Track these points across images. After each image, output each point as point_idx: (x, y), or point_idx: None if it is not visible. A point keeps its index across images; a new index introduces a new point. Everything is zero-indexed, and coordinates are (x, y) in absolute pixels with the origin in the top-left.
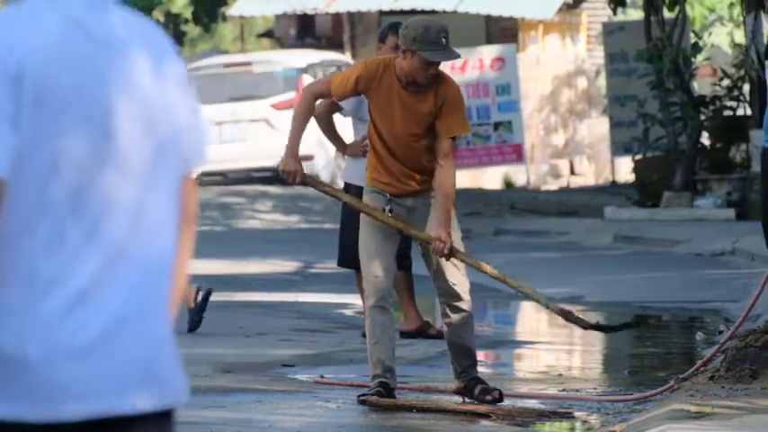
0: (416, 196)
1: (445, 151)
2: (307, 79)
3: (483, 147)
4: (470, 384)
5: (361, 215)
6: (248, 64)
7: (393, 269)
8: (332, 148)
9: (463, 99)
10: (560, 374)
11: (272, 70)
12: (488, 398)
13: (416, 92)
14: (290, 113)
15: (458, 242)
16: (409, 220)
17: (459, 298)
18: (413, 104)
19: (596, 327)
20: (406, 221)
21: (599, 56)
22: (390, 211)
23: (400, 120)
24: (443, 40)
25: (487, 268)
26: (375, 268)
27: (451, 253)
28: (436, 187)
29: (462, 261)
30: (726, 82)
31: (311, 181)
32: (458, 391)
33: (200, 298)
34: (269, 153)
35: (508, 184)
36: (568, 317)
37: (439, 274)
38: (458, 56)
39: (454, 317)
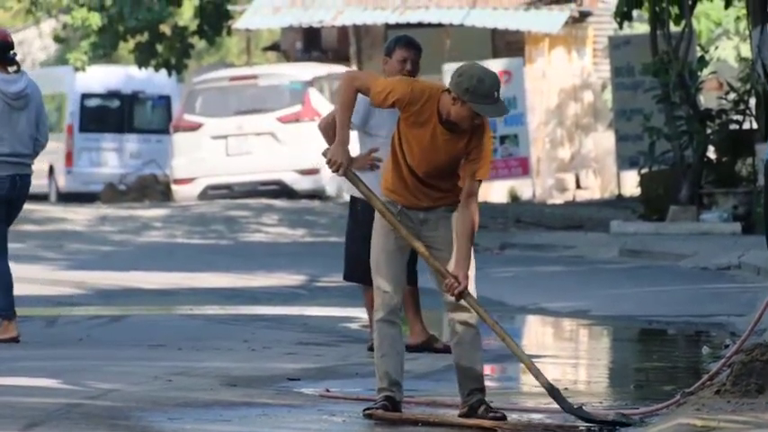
0: (430, 210)
1: (470, 191)
2: (313, 93)
3: None
4: (475, 405)
5: (374, 226)
6: (254, 77)
7: (404, 283)
8: None
9: (492, 146)
10: (566, 388)
11: (278, 83)
12: (490, 415)
13: (452, 130)
14: (295, 127)
15: (471, 284)
16: (420, 231)
17: (467, 310)
18: (444, 141)
19: (579, 413)
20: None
21: (605, 69)
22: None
23: (427, 148)
24: (495, 93)
25: (490, 321)
26: (385, 281)
27: (461, 295)
28: (458, 228)
29: (471, 307)
30: (732, 96)
31: (353, 178)
32: (463, 415)
33: None
34: (275, 166)
35: (514, 198)
36: (554, 394)
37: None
38: (507, 111)
39: (464, 334)
